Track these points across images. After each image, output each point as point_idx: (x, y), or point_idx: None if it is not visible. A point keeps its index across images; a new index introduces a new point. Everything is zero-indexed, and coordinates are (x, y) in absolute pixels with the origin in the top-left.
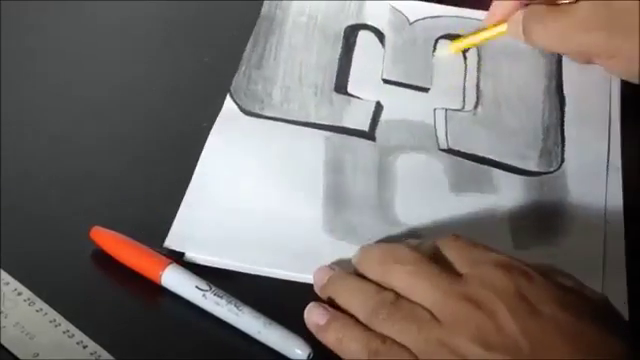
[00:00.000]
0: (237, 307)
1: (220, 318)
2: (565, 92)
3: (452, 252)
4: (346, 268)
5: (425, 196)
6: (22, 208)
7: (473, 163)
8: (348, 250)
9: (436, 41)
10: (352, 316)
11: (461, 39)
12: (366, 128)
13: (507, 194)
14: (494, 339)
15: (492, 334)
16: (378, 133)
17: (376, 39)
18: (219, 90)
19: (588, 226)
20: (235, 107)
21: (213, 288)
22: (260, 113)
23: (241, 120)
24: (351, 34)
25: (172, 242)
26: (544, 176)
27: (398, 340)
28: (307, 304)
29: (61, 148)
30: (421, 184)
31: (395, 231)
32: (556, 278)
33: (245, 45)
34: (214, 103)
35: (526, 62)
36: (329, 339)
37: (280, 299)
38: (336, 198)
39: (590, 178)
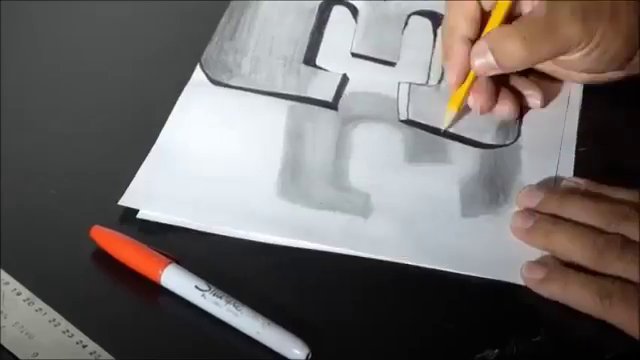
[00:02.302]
0: (236, 307)
1: (219, 318)
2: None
3: None
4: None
5: (380, 164)
6: (22, 208)
7: (430, 134)
8: (300, 213)
9: (408, 17)
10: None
11: (453, 100)
12: (330, 99)
13: (460, 165)
14: None
15: None
16: (341, 104)
17: (350, 14)
18: None
19: None
20: (204, 77)
21: (212, 288)
22: (228, 83)
23: (208, 89)
24: (326, 9)
25: (127, 200)
26: (499, 149)
27: (631, 279)
28: (306, 304)
29: (61, 148)
30: (377, 153)
31: (347, 197)
32: None
33: None
34: None
35: None
36: (552, 289)
37: (280, 299)
38: (293, 164)
39: (543, 153)
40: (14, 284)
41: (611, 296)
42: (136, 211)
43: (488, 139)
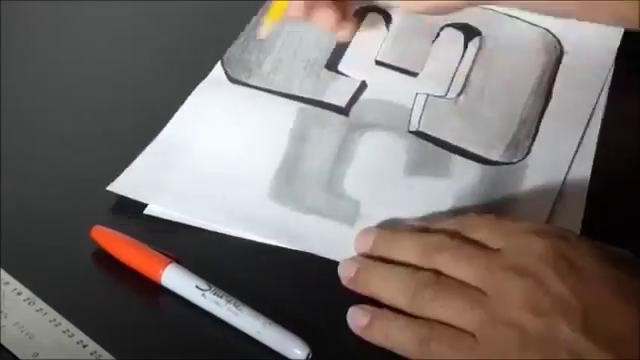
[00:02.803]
0: (236, 307)
1: (219, 318)
2: (554, 89)
3: (483, 230)
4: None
5: (377, 173)
6: (22, 208)
7: (435, 147)
8: (288, 216)
9: (441, 28)
10: (393, 309)
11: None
12: (343, 104)
13: (460, 180)
14: (544, 303)
15: (541, 298)
16: (353, 110)
17: (383, 21)
18: None
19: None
20: (222, 74)
21: (213, 288)
22: (245, 81)
23: (224, 86)
24: (360, 14)
25: (117, 187)
26: (503, 166)
27: (448, 320)
28: (306, 304)
29: (61, 148)
30: (377, 162)
31: (337, 202)
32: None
33: None
34: None
35: (525, 58)
36: (376, 337)
37: (280, 299)
38: (291, 166)
39: (548, 175)
40: (14, 284)
41: (429, 340)
42: (139, 211)
43: (494, 156)
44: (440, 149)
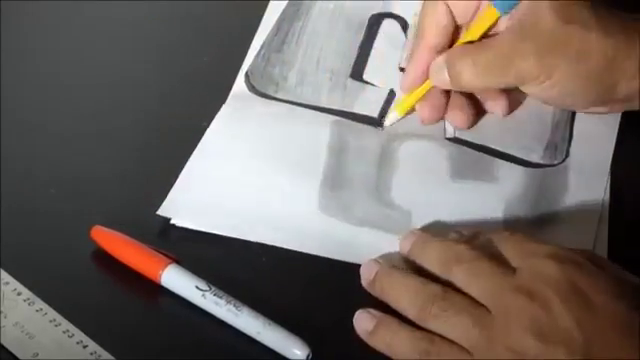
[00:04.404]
0: (236, 307)
1: (219, 318)
2: None
3: (507, 247)
4: (392, 260)
5: (423, 181)
6: (22, 208)
7: (476, 152)
8: (340, 228)
9: None
10: (401, 316)
11: (400, 104)
12: (375, 114)
13: (506, 184)
14: (548, 330)
15: (546, 325)
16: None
17: (399, 28)
18: (219, 90)
19: (581, 223)
20: (245, 88)
21: (213, 288)
22: (274, 95)
23: (252, 101)
24: (375, 22)
25: (166, 210)
26: (546, 169)
27: (450, 336)
28: (306, 305)
29: (61, 148)
30: (421, 169)
31: (388, 213)
32: (602, 265)
33: (246, 45)
34: (213, 103)
35: None
36: (379, 344)
37: (280, 299)
38: (334, 178)
39: (591, 176)
40: (14, 284)
41: (429, 354)
42: (139, 211)
43: (535, 158)
44: (482, 154)
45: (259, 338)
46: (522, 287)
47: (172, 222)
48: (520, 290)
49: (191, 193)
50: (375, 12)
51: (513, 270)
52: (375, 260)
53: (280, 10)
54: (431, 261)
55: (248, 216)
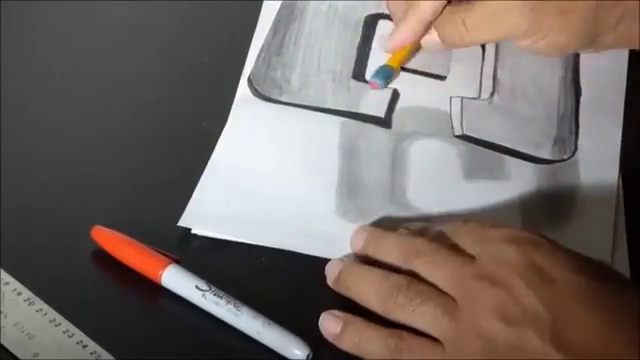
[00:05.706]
0: (236, 307)
1: (219, 318)
2: (581, 82)
3: (463, 235)
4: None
5: (437, 181)
6: (22, 208)
7: (486, 150)
8: None
9: None
10: (369, 312)
11: (391, 61)
12: (382, 115)
13: (519, 181)
14: (514, 312)
15: (511, 308)
16: (394, 120)
17: None
18: (219, 90)
19: (598, 214)
20: (251, 92)
21: (213, 288)
22: (278, 99)
23: (257, 105)
24: (371, 22)
25: (186, 221)
26: (557, 164)
27: (417, 326)
28: (306, 304)
29: (61, 148)
30: (434, 169)
31: (407, 215)
32: (556, 244)
33: (246, 45)
34: (214, 103)
35: None
36: (347, 346)
37: (280, 299)
38: (349, 182)
39: (602, 167)
40: (14, 284)
41: (400, 351)
42: (139, 212)
43: (544, 154)
44: (491, 151)
45: (259, 338)
46: (483, 273)
47: (193, 232)
48: (482, 277)
49: (209, 204)
50: (369, 13)
51: (472, 258)
52: (339, 259)
53: (274, 10)
54: (390, 255)
55: (267, 225)
